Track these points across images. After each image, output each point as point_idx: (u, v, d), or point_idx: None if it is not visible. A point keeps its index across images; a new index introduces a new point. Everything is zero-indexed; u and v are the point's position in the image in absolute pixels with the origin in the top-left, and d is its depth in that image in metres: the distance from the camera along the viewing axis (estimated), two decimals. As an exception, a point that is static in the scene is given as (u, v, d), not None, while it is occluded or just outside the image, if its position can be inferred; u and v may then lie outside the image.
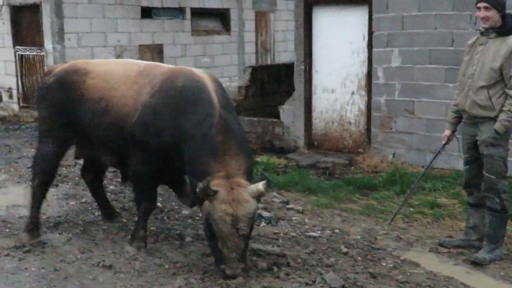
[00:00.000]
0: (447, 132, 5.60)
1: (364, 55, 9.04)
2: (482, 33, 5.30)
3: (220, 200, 4.50)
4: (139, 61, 6.11)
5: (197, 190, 4.51)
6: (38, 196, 5.89)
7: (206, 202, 4.57)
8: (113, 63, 6.05)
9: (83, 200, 7.00)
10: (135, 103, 5.25)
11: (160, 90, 5.18)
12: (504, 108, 5.08)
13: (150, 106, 5.16)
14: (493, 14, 5.14)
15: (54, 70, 6.04)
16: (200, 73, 5.24)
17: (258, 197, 4.64)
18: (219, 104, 4.86)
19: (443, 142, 5.66)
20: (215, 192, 4.50)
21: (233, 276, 4.57)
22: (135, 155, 5.30)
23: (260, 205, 6.65)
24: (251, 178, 4.73)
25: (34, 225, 5.76)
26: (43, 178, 5.91)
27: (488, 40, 5.23)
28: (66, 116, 5.76)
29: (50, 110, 5.89)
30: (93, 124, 5.54)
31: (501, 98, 5.12)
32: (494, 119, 5.13)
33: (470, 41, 5.47)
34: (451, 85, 8.11)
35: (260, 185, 4.61)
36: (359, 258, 5.26)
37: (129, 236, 5.61)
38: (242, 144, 4.86)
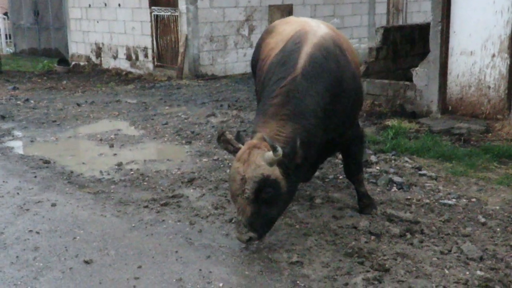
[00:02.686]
0: None
1: (508, 15, 8.43)
2: None
3: (237, 158, 4.44)
4: (309, 21, 5.67)
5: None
6: None
7: None
8: (291, 22, 5.90)
9: (215, 157, 7.19)
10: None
11: (280, 50, 5.15)
12: None
13: (269, 64, 5.18)
14: None
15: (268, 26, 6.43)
16: (311, 36, 4.97)
17: (272, 163, 4.28)
18: (300, 70, 4.69)
19: None
20: (236, 149, 4.49)
21: (238, 239, 4.44)
22: None
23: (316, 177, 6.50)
24: (295, 148, 4.34)
25: None
26: None
27: None
28: (255, 71, 6.00)
29: (251, 63, 6.25)
30: (260, 82, 5.54)
31: None
32: None
33: None
34: None
35: (279, 149, 4.24)
36: (498, 229, 5.00)
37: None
38: (299, 114, 4.55)
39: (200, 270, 4.34)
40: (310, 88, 4.68)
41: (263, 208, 4.36)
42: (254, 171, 4.30)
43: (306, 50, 4.82)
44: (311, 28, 5.17)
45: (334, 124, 4.91)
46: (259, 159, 4.32)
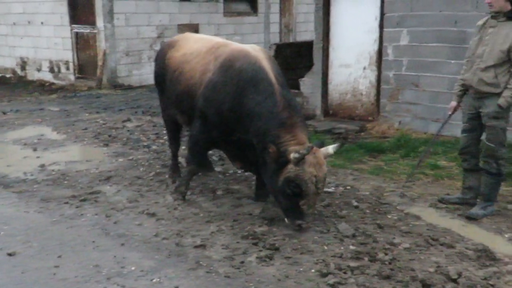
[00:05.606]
0: (454, 104, 5.44)
1: (376, 34, 8.83)
2: (492, 16, 5.07)
3: (308, 163, 4.43)
4: (214, 38, 5.87)
5: (296, 155, 4.39)
6: (173, 152, 6.38)
7: (291, 165, 4.45)
8: (195, 39, 5.94)
9: (130, 157, 7.07)
10: (201, 77, 5.23)
11: (220, 68, 5.07)
12: (508, 86, 4.91)
13: (211, 82, 5.09)
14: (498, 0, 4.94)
15: (168, 41, 6.40)
16: (255, 53, 5.03)
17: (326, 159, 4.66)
18: (277, 83, 4.78)
19: (450, 113, 5.50)
20: (304, 156, 4.43)
21: (306, 228, 4.64)
22: (196, 122, 5.27)
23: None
24: None
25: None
26: (168, 136, 6.47)
27: (498, 23, 4.99)
28: (161, 82, 5.97)
29: (155, 76, 6.23)
30: (171, 90, 5.64)
31: (506, 76, 4.93)
32: (498, 95, 4.97)
33: (480, 22, 5.22)
34: (453, 61, 7.91)
35: (330, 149, 4.67)
36: (368, 211, 5.23)
37: (172, 188, 5.68)
38: (302, 118, 4.81)
39: (115, 256, 4.27)
40: (290, 94, 4.91)
41: None
42: (324, 170, 4.56)
43: (266, 66, 4.88)
44: (238, 45, 5.33)
45: None
46: (323, 160, 4.58)
